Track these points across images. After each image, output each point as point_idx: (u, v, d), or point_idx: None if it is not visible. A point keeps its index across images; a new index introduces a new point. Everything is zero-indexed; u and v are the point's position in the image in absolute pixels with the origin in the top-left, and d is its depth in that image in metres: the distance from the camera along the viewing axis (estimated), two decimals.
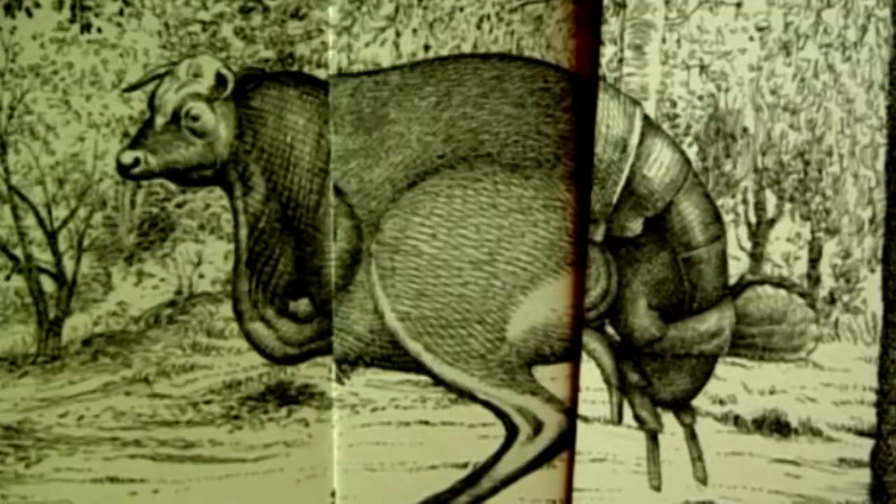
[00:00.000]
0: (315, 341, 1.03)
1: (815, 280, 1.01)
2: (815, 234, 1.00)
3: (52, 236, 1.01)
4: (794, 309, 1.00)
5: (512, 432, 1.04)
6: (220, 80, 0.99)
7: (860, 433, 1.02)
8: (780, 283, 1.00)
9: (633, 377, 1.02)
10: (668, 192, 1.00)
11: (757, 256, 1.01)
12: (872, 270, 1.00)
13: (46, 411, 1.02)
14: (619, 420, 1.03)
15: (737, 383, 1.02)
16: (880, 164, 0.99)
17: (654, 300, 1.01)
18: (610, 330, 1.02)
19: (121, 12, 0.98)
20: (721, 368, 1.02)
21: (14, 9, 0.97)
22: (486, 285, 1.01)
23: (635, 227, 1.00)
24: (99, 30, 0.98)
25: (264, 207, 1.01)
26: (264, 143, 1.01)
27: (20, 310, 1.01)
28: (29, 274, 1.01)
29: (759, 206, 1.00)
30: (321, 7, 0.99)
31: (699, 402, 1.02)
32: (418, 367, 1.03)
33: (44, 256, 1.01)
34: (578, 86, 1.00)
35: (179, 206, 1.01)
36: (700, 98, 0.99)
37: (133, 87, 0.99)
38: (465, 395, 1.04)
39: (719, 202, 1.00)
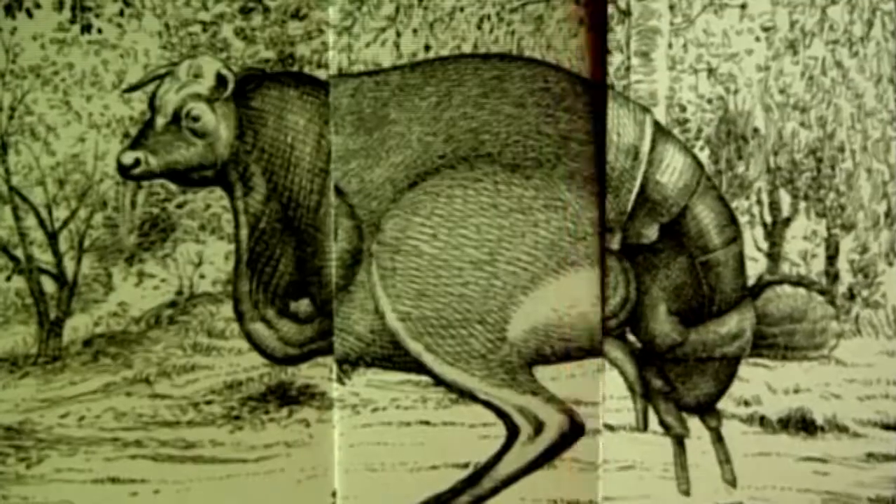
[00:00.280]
0: (316, 342, 1.03)
1: (833, 277, 1.01)
2: (831, 230, 1.01)
3: (52, 237, 1.01)
4: (814, 307, 1.00)
5: (513, 432, 1.04)
6: (221, 80, 0.99)
7: (886, 427, 1.02)
8: (798, 282, 1.00)
9: (657, 383, 1.02)
10: (682, 196, 1.00)
11: (774, 256, 1.01)
12: (890, 264, 1.00)
13: (47, 412, 1.02)
14: (644, 427, 1.03)
15: (761, 384, 1.02)
16: (893, 158, 0.99)
17: (673, 305, 1.01)
18: (631, 337, 1.02)
19: (121, 13, 0.98)
20: (744, 370, 1.02)
21: (14, 9, 0.97)
22: (487, 285, 1.01)
23: (651, 233, 1.00)
24: (99, 30, 0.98)
25: (265, 208, 1.01)
26: (265, 143, 1.01)
27: (21, 310, 1.01)
28: (30, 275, 1.01)
29: (774, 206, 1.00)
30: (321, 7, 0.99)
31: (724, 404, 1.02)
32: (419, 367, 1.03)
33: (44, 257, 1.01)
34: (580, 87, 1.00)
35: (180, 206, 1.01)
36: (709, 101, 0.99)
37: (133, 88, 0.99)
38: (466, 396, 1.03)
39: (734, 204, 1.00)
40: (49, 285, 1.01)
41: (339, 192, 1.01)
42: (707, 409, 1.03)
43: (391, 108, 1.00)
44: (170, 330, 1.02)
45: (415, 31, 1.00)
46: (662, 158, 0.99)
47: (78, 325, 1.02)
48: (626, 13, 0.98)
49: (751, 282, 1.01)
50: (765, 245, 1.01)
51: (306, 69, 1.00)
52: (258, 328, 1.03)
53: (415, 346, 1.02)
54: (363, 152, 1.00)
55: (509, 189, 1.00)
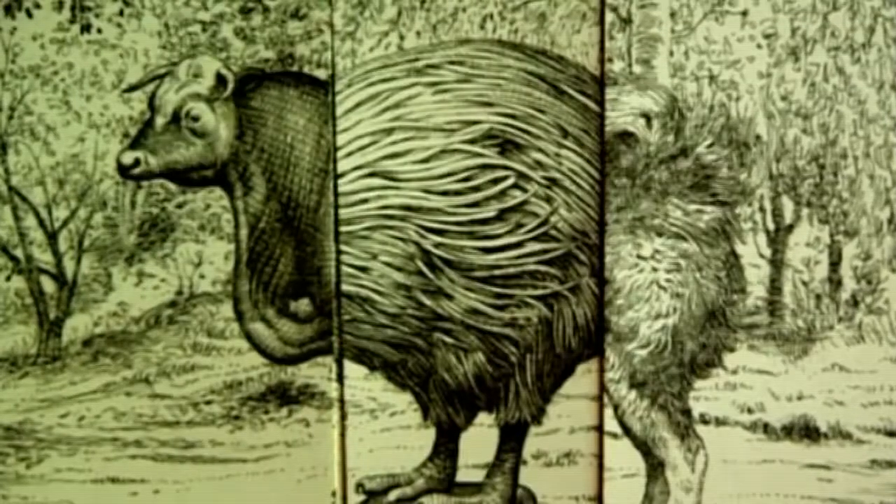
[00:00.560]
0: (315, 341, 1.03)
1: (836, 283, 1.01)
2: (833, 237, 1.00)
3: (52, 237, 1.01)
4: None
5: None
6: (221, 80, 0.99)
7: (890, 434, 1.02)
8: None
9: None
10: None
11: (777, 263, 1.00)
12: (894, 270, 1.00)
13: (47, 412, 1.02)
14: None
15: (764, 391, 1.02)
16: (895, 164, 0.99)
17: None
18: None
19: (121, 13, 0.98)
20: (747, 377, 1.02)
21: (14, 9, 0.97)
22: None
23: None
24: (99, 30, 0.98)
25: (264, 207, 1.01)
26: (264, 143, 1.01)
27: (21, 310, 1.01)
28: (29, 274, 1.01)
29: (777, 213, 1.00)
30: (321, 7, 0.99)
31: (728, 411, 1.02)
32: None
33: (44, 257, 1.01)
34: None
35: (180, 206, 1.01)
36: (711, 108, 0.99)
37: (133, 88, 0.99)
38: None
39: (736, 210, 1.00)
40: (49, 285, 1.01)
41: None
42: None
43: None
44: (169, 330, 1.03)
45: (418, 33, 1.00)
46: None
47: (78, 325, 1.02)
48: (627, 21, 0.98)
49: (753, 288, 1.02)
50: (768, 252, 1.00)
51: (306, 69, 1.00)
52: (258, 328, 1.03)
53: None
54: None
55: None
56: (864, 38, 0.98)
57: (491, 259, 1.01)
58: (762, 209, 1.00)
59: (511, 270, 1.01)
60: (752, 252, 1.01)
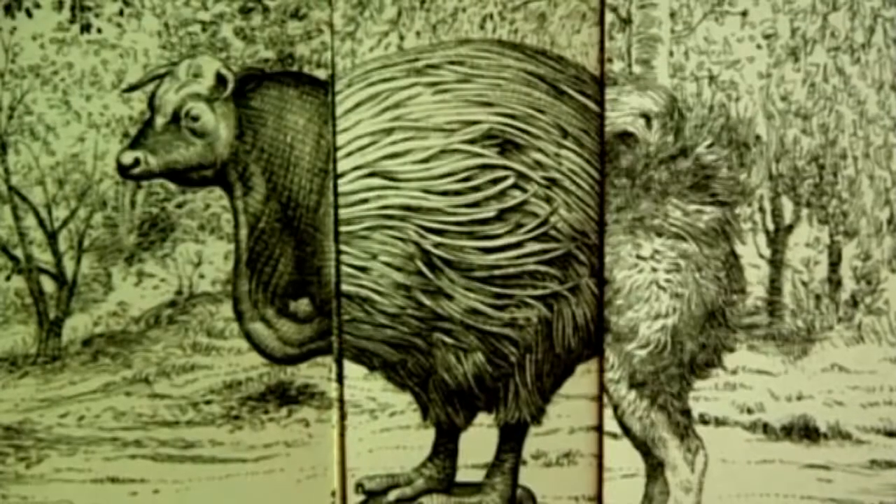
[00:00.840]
0: (315, 341, 1.03)
1: (836, 284, 1.01)
2: (833, 237, 1.00)
3: (52, 237, 1.01)
4: None
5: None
6: (220, 80, 0.99)
7: (890, 434, 1.02)
8: None
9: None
10: None
11: (777, 263, 1.01)
12: (893, 270, 1.00)
13: (47, 412, 1.02)
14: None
15: (764, 391, 1.02)
16: (895, 164, 0.99)
17: None
18: None
19: (121, 13, 0.98)
20: (747, 377, 1.02)
21: (14, 9, 0.97)
22: None
23: None
24: (99, 30, 0.98)
25: (264, 207, 1.01)
26: (264, 143, 1.01)
27: (20, 310, 1.01)
28: (29, 274, 1.01)
29: (776, 213, 1.00)
30: (321, 7, 0.99)
31: (727, 411, 1.02)
32: None
33: (44, 257, 1.01)
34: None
35: (179, 206, 1.01)
36: (711, 109, 0.99)
37: (133, 88, 0.99)
38: None
39: (736, 211, 1.00)
40: (48, 285, 1.01)
41: None
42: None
43: None
44: (169, 330, 1.03)
45: (418, 33, 1.00)
46: None
47: (77, 325, 1.02)
48: (627, 21, 0.98)
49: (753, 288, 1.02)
50: (767, 252, 1.00)
51: (306, 69, 1.00)
52: (257, 328, 1.03)
53: None
54: None
55: None
56: (863, 38, 0.98)
57: (491, 259, 1.01)
58: (762, 209, 1.00)
59: (511, 270, 1.01)
60: (751, 252, 1.01)
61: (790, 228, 1.00)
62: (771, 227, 1.00)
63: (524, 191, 1.00)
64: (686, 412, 1.02)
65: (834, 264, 1.00)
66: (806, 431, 1.02)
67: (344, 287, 1.01)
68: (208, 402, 1.03)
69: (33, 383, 1.02)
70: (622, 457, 1.03)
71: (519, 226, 1.01)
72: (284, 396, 1.03)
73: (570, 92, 1.00)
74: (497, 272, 1.01)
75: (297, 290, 1.03)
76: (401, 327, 1.02)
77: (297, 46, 1.00)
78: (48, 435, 1.02)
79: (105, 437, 1.03)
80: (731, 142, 0.99)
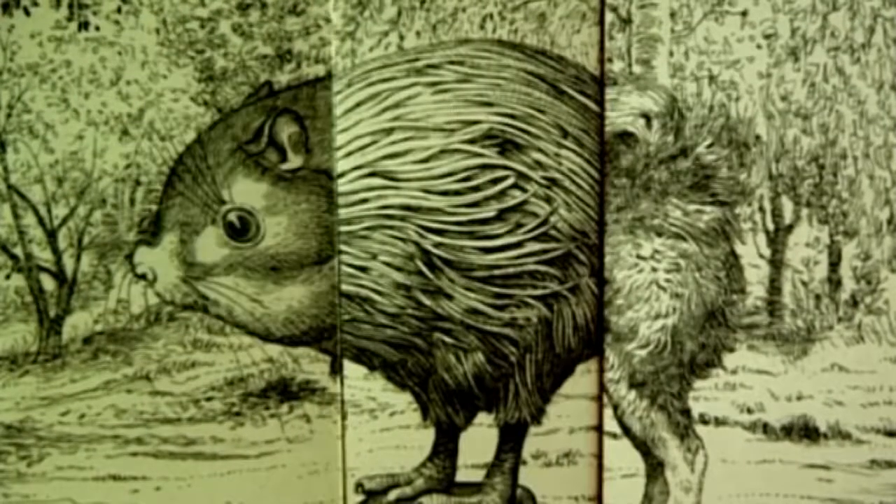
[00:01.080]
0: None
1: (836, 283, 1.01)
2: (833, 237, 1.00)
3: (51, 234, 1.01)
4: None
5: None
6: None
7: (890, 434, 1.02)
8: None
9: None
10: None
11: (776, 263, 1.00)
12: (893, 270, 1.00)
13: (48, 410, 1.02)
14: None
15: (763, 391, 1.02)
16: (895, 164, 0.99)
17: None
18: None
19: (118, 10, 0.98)
20: (747, 377, 1.02)
21: (12, 7, 0.97)
22: None
23: None
24: (97, 28, 0.98)
25: None
26: None
27: (21, 308, 1.01)
28: (29, 272, 1.01)
29: (776, 213, 1.00)
30: (319, 3, 0.99)
31: (727, 411, 1.03)
32: None
33: (44, 255, 1.01)
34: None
35: None
36: (711, 108, 0.99)
37: None
38: None
39: (736, 211, 1.00)
40: (49, 283, 1.01)
41: None
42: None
43: None
44: (170, 327, 1.03)
45: (418, 33, 0.99)
46: None
47: (78, 323, 1.02)
48: (627, 21, 0.98)
49: (753, 288, 1.02)
50: (767, 252, 1.00)
51: (304, 64, 1.00)
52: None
53: None
54: None
55: None
56: (863, 38, 0.97)
57: (491, 259, 1.01)
58: (762, 209, 1.00)
59: (511, 270, 1.01)
60: (751, 252, 1.01)
61: (790, 228, 1.00)
62: (771, 227, 1.00)
63: (524, 191, 1.00)
64: (686, 412, 1.03)
65: (834, 264, 1.00)
66: (806, 431, 1.02)
67: (344, 287, 1.01)
68: (209, 399, 1.03)
69: (34, 381, 1.02)
70: (622, 457, 1.03)
71: (519, 226, 1.01)
72: (286, 392, 1.04)
73: (570, 92, 1.00)
74: (497, 272, 1.01)
75: None
76: (401, 327, 1.02)
77: (296, 42, 0.99)
78: (49, 433, 1.02)
79: (106, 434, 1.03)
80: (731, 142, 0.99)
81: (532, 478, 1.06)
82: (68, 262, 1.01)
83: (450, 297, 1.01)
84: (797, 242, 1.00)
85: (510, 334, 1.02)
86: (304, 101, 1.00)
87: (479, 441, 1.05)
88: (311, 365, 1.04)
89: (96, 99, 0.99)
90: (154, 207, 1.01)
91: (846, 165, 0.99)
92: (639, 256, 1.01)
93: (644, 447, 1.03)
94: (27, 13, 0.97)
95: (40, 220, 1.00)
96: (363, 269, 1.01)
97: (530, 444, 1.05)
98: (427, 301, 1.01)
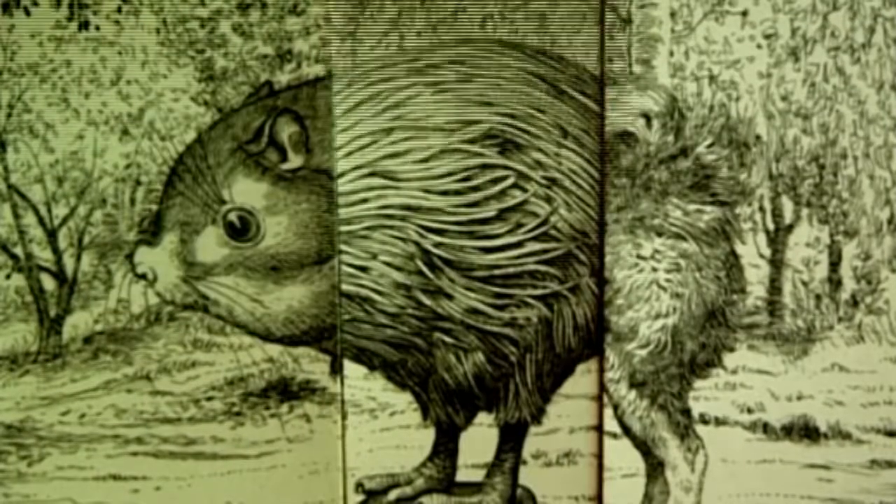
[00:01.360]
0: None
1: (836, 283, 1.01)
2: (833, 237, 1.00)
3: (52, 234, 1.01)
4: None
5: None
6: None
7: (890, 434, 1.03)
8: None
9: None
10: None
11: (777, 263, 1.00)
12: (893, 270, 1.00)
13: (48, 409, 1.02)
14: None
15: (764, 391, 1.02)
16: (895, 165, 0.99)
17: None
18: None
19: (119, 10, 0.98)
20: (747, 377, 1.02)
21: (12, 7, 0.97)
22: None
23: None
24: (97, 27, 0.98)
25: None
26: None
27: (21, 308, 1.01)
28: (29, 272, 1.01)
29: (777, 213, 1.00)
30: (319, 3, 0.99)
31: (727, 411, 1.03)
32: None
33: (44, 255, 1.01)
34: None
35: None
36: (711, 108, 0.99)
37: None
38: None
39: (736, 210, 1.00)
40: (49, 283, 1.01)
41: None
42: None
43: None
44: (170, 326, 1.03)
45: (418, 33, 0.99)
46: None
47: (78, 323, 1.02)
48: (627, 21, 0.98)
49: (753, 288, 1.02)
50: (767, 252, 1.00)
51: (304, 64, 1.00)
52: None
53: None
54: None
55: None
56: (864, 38, 0.97)
57: (491, 259, 1.01)
58: (762, 209, 1.00)
59: (511, 270, 1.01)
60: (751, 252, 1.01)
61: (790, 228, 1.00)
62: (771, 226, 1.00)
63: (524, 190, 1.00)
64: (686, 412, 1.03)
65: (834, 264, 1.00)
66: (806, 431, 1.02)
67: (344, 287, 1.01)
68: (210, 399, 1.03)
69: (34, 381, 1.02)
70: (622, 456, 1.03)
71: (519, 225, 1.01)
72: (286, 392, 1.04)
73: (571, 92, 1.00)
74: (497, 272, 1.01)
75: None
76: (401, 327, 1.02)
77: (296, 42, 0.99)
78: (49, 433, 1.02)
79: (106, 434, 1.03)
80: (731, 142, 0.99)
81: (532, 477, 1.06)
82: (68, 262, 1.01)
83: (450, 297, 1.01)
84: (797, 242, 1.00)
85: (510, 334, 1.02)
86: (304, 101, 1.00)
87: (479, 441, 1.05)
88: (311, 365, 1.04)
89: (96, 99, 0.99)
90: (154, 207, 1.00)
91: (846, 165, 0.99)
92: (639, 256, 1.01)
93: (644, 447, 1.03)
94: (27, 13, 0.97)
95: (40, 220, 1.00)
96: (363, 269, 1.01)
97: (530, 444, 1.05)
98: (427, 301, 1.01)
